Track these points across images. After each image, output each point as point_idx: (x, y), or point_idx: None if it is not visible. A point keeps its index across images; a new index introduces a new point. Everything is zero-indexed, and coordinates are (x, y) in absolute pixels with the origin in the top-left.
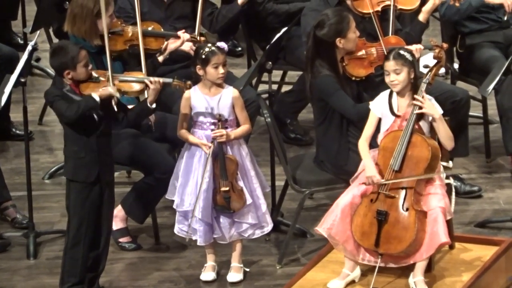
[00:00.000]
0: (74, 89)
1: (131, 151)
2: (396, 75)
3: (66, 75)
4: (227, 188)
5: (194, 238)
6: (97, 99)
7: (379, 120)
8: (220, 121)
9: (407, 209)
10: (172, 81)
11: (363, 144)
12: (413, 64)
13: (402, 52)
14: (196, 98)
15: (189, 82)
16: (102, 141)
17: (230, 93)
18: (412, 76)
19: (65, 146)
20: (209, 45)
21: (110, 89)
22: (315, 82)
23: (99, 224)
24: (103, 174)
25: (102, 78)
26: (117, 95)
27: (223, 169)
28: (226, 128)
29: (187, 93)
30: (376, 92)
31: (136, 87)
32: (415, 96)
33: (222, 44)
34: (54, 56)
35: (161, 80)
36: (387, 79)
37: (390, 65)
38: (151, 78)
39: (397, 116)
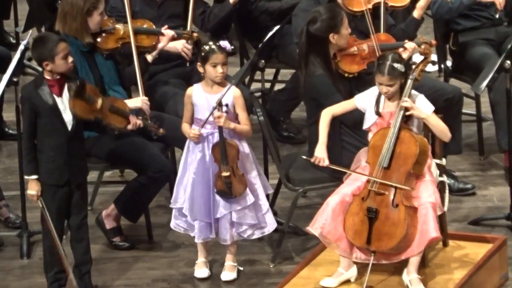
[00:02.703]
0: (51, 87)
1: (124, 150)
2: (389, 88)
3: (45, 66)
4: (227, 174)
5: (192, 234)
6: (26, 178)
7: (354, 109)
8: (220, 106)
9: (397, 205)
10: (148, 123)
11: (326, 116)
12: (405, 73)
13: (395, 65)
14: (197, 95)
15: (162, 130)
16: (73, 145)
17: (231, 92)
18: (403, 81)
19: (38, 150)
20: (211, 43)
21: (32, 193)
22: (310, 82)
23: (73, 222)
24: (73, 178)
25: (95, 99)
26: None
27: (224, 154)
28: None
29: (189, 90)
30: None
31: (118, 124)
32: (404, 98)
33: (224, 44)
34: (34, 47)
35: (141, 124)
36: (380, 89)
37: (384, 80)
38: (134, 119)
39: (379, 116)
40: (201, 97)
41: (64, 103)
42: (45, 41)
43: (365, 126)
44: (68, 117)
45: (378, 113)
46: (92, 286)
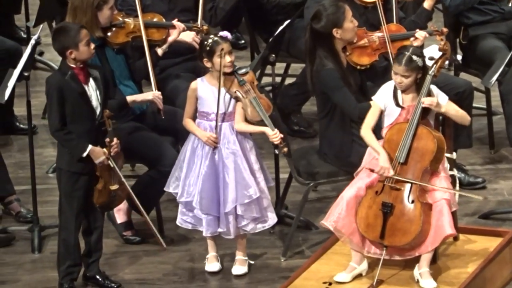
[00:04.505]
0: (77, 75)
1: (134, 145)
2: (404, 79)
3: (69, 54)
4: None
5: (200, 229)
6: (84, 154)
7: (381, 112)
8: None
9: (412, 202)
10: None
11: (367, 132)
12: (422, 67)
13: (414, 58)
14: (203, 89)
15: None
16: (99, 133)
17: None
18: (419, 76)
19: None
20: (212, 36)
21: (102, 158)
22: (319, 76)
23: (90, 210)
24: (96, 166)
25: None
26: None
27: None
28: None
29: (193, 84)
30: (381, 81)
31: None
32: (423, 99)
33: (224, 33)
34: (56, 38)
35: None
36: (394, 79)
37: (400, 70)
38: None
39: (402, 108)
40: (206, 90)
41: (90, 90)
42: (67, 29)
43: (388, 122)
44: (96, 103)
45: (399, 105)
46: (100, 271)
